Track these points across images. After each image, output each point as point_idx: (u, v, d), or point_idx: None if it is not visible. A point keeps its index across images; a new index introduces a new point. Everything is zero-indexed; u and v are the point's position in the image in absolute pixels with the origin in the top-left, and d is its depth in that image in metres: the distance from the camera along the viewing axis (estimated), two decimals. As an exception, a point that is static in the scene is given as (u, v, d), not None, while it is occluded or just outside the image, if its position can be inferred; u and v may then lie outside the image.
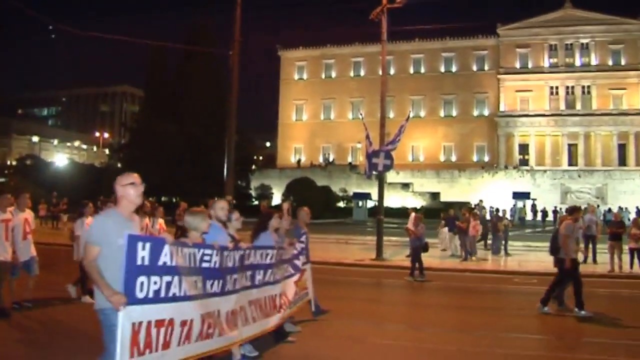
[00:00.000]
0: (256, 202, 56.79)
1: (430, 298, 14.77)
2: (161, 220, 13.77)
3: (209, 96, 55.85)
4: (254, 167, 69.84)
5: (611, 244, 18.64)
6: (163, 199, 52.04)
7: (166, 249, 5.13)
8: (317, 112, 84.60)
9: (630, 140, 72.57)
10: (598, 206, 44.02)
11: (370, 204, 54.69)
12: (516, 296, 15.29)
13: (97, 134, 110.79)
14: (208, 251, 5.82)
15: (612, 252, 18.53)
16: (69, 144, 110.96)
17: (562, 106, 75.37)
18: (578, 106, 75.02)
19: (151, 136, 55.98)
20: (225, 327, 6.01)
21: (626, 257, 18.38)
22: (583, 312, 11.32)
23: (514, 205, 56.55)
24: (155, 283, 4.98)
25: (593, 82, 74.76)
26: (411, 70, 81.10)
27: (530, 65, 77.01)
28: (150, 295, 4.94)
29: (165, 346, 5.09)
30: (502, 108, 76.75)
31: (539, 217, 57.37)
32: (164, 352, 5.06)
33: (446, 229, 24.95)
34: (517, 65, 77.35)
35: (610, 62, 74.59)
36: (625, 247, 18.39)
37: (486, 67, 78.78)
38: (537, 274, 18.31)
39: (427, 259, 21.30)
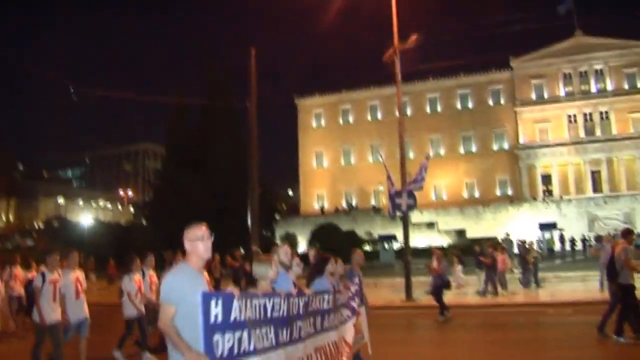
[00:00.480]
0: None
1: (464, 335, 14.68)
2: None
3: (230, 149, 56.37)
4: (278, 216, 69.98)
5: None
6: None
7: (235, 303, 4.97)
8: (337, 157, 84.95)
9: (654, 162, 71.96)
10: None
11: (396, 245, 54.46)
12: (553, 327, 15.14)
13: (121, 193, 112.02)
14: (277, 300, 5.66)
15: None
16: (94, 203, 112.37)
17: (582, 134, 75.05)
18: (598, 132, 74.67)
19: (175, 192, 56.47)
20: None
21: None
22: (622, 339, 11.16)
23: (542, 237, 55.99)
24: (228, 341, 4.82)
25: (611, 107, 74.53)
26: (428, 109, 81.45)
27: (546, 96, 77.04)
28: (225, 353, 4.78)
29: None
30: (521, 140, 76.61)
31: (568, 246, 56.66)
32: None
33: (460, 267, 25.04)
34: (533, 96, 77.43)
35: (626, 86, 74.41)
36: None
37: (502, 101, 78.92)
38: (571, 303, 18.17)
39: (455, 297, 21.25)
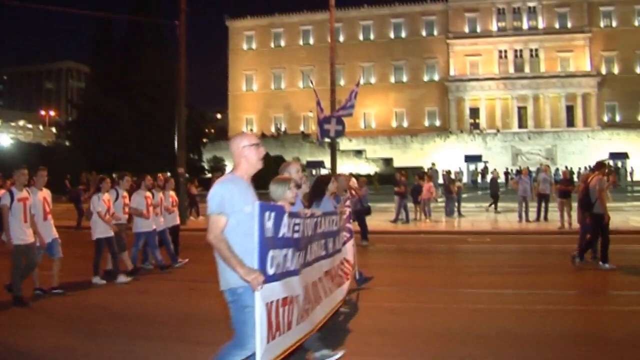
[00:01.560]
0: (209, 175, 56.33)
1: (386, 259, 14.83)
2: (172, 193, 13.25)
3: (157, 69, 54.72)
4: (205, 139, 69.05)
5: (561, 202, 18.93)
6: (114, 175, 51.12)
7: (285, 219, 4.66)
8: (268, 82, 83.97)
9: (578, 102, 73.97)
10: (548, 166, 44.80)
11: (323, 172, 54.66)
12: (472, 254, 15.47)
13: (43, 113, 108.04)
14: (305, 220, 5.33)
15: (562, 209, 18.83)
16: (13, 123, 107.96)
17: (511, 69, 76.31)
18: (527, 69, 76.04)
19: (99, 112, 54.76)
20: (313, 302, 5.58)
21: (575, 214, 18.71)
22: (607, 265, 11.47)
23: (467, 169, 57.25)
24: (277, 258, 4.53)
25: (541, 45, 75.76)
26: (361, 37, 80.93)
27: (479, 30, 77.56)
28: (277, 271, 4.50)
29: (289, 327, 4.66)
30: (452, 73, 77.31)
31: (488, 178, 58.06)
32: (288, 333, 4.64)
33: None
34: (466, 29, 77.81)
35: (557, 25, 75.59)
36: (574, 204, 18.71)
37: (435, 32, 79.08)
38: (490, 232, 18.64)
39: (381, 223, 21.48)
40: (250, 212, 4.34)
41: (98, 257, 10.83)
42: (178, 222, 13.43)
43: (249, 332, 4.27)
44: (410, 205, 22.96)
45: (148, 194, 11.99)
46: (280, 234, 4.59)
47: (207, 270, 8.11)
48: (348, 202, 9.18)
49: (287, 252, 4.70)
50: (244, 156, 4.59)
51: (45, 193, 9.78)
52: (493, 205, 25.95)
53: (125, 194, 11.75)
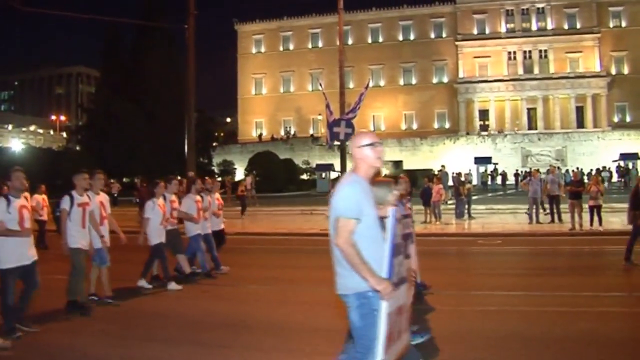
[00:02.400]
0: (219, 178, 56.40)
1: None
2: (218, 196, 13.10)
3: (167, 73, 55.04)
4: (215, 143, 69.29)
5: (571, 203, 18.86)
6: (125, 179, 51.33)
7: (396, 223, 4.43)
8: (277, 85, 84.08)
9: (588, 102, 73.67)
10: (559, 168, 44.62)
11: (333, 175, 54.61)
12: (482, 256, 15.45)
13: (53, 117, 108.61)
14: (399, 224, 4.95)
15: (573, 210, 18.77)
16: (24, 128, 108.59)
17: (520, 71, 76.12)
18: (536, 70, 75.81)
19: (109, 116, 55.07)
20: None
21: (586, 215, 18.66)
22: None
23: (477, 170, 57.09)
24: (396, 264, 4.32)
25: (550, 46, 75.53)
26: (369, 40, 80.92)
27: (487, 31, 77.39)
28: (396, 278, 4.30)
29: (399, 336, 4.44)
30: (461, 74, 77.17)
31: (499, 180, 57.88)
32: (397, 343, 4.40)
33: None
34: (475, 31, 77.67)
35: (566, 26, 75.33)
36: (585, 206, 18.67)
37: (444, 34, 78.98)
38: (500, 235, 18.57)
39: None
40: (375, 216, 4.27)
41: (164, 262, 10.64)
42: (223, 226, 13.23)
43: (374, 336, 4.15)
44: (419, 207, 22.97)
45: (198, 197, 11.83)
46: (396, 240, 4.42)
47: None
48: (409, 204, 8.98)
49: (400, 258, 4.54)
50: (362, 156, 4.48)
51: (102, 197, 9.49)
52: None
53: (174, 197, 11.49)
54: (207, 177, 13.98)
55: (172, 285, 10.51)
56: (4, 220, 7.24)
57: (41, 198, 16.29)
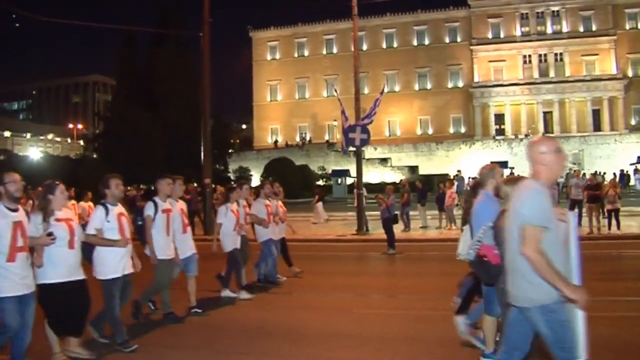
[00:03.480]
0: (235, 185, 56.56)
1: (412, 267, 14.83)
2: (281, 203, 12.67)
3: (183, 80, 55.27)
4: (231, 150, 69.52)
5: (589, 207, 18.81)
6: (142, 186, 51.59)
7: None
8: (292, 91, 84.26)
9: (604, 105, 73.15)
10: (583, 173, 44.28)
11: (349, 180, 54.63)
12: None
13: (71, 126, 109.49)
14: None
15: (591, 214, 18.71)
16: (42, 137, 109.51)
17: (536, 74, 75.76)
18: (551, 74, 75.43)
19: (126, 124, 55.41)
20: None
21: (604, 220, 18.58)
22: None
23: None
24: None
25: (565, 49, 75.14)
26: (384, 45, 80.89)
27: (502, 35, 77.13)
28: None
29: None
30: (476, 79, 76.94)
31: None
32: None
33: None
34: (489, 35, 77.43)
35: (581, 29, 74.89)
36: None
37: (459, 39, 78.81)
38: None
39: (408, 231, 21.46)
40: (558, 223, 4.20)
41: (238, 270, 10.32)
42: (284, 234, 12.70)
43: (571, 345, 4.20)
44: (434, 212, 23.07)
45: (268, 202, 11.60)
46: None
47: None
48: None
49: None
50: (544, 163, 4.34)
51: (182, 205, 9.11)
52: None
53: (246, 202, 11.20)
54: (274, 182, 13.65)
55: (243, 294, 10.20)
56: (103, 229, 7.05)
57: (87, 205, 15.91)
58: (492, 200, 6.14)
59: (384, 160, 65.60)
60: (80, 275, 6.55)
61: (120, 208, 7.32)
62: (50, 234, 6.09)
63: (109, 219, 7.10)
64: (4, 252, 5.81)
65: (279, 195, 12.53)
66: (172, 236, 8.51)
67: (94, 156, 65.22)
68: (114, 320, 7.10)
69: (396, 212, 17.06)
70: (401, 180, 23.90)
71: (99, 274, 7.04)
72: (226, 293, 10.25)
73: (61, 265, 6.33)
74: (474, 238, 6.01)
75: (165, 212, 8.42)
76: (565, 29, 75.32)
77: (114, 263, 7.07)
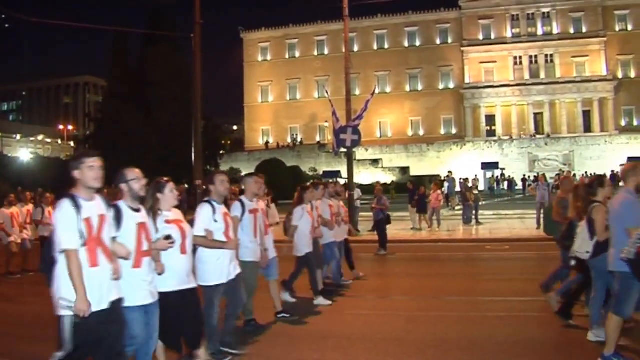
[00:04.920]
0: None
1: (403, 268, 14.84)
2: (342, 204, 12.19)
3: (173, 82, 55.11)
4: (222, 151, 69.39)
5: (580, 207, 18.82)
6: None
7: None
8: (283, 92, 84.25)
9: (595, 106, 73.46)
10: (575, 175, 44.52)
11: (340, 182, 54.60)
12: (489, 262, 15.43)
13: (61, 127, 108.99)
14: None
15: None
16: (32, 138, 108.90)
17: (527, 76, 76.03)
18: (542, 75, 75.72)
19: (117, 125, 55.24)
20: None
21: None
22: None
23: (484, 176, 57.02)
24: None
25: (556, 50, 75.43)
26: (375, 47, 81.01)
27: (493, 37, 77.38)
28: None
29: None
30: (467, 80, 77.14)
31: (505, 186, 57.63)
32: None
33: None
34: (480, 36, 77.65)
35: (572, 30, 75.21)
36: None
37: (450, 40, 79.00)
38: (508, 240, 18.54)
39: (399, 232, 21.46)
40: None
41: (314, 274, 9.80)
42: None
43: None
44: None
45: (331, 202, 11.11)
46: None
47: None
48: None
49: None
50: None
51: (263, 205, 8.61)
52: None
53: (317, 203, 10.49)
54: (332, 181, 13.11)
55: (320, 300, 9.67)
56: (211, 229, 6.42)
57: None
58: (636, 198, 6.14)
59: (375, 162, 65.66)
60: (193, 283, 5.94)
61: (225, 207, 6.80)
62: (168, 237, 5.43)
63: (217, 219, 6.49)
64: (130, 258, 5.13)
65: (341, 195, 12.23)
66: (259, 238, 7.87)
67: (85, 157, 64.97)
68: (210, 329, 6.47)
69: (388, 213, 17.02)
70: (375, 184, 23.82)
71: (201, 280, 6.35)
72: (319, 300, 9.67)
73: (174, 272, 5.67)
74: (633, 237, 5.81)
75: (253, 212, 7.86)
76: (555, 30, 75.64)
77: (219, 268, 6.50)
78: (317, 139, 78.01)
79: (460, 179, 36.05)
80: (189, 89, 32.39)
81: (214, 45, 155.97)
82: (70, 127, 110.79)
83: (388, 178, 59.08)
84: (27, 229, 14.22)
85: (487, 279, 12.33)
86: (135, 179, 5.40)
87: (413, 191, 23.43)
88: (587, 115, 74.10)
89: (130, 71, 60.95)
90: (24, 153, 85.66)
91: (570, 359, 6.50)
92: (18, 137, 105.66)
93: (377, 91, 39.50)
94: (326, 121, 66.38)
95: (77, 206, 4.52)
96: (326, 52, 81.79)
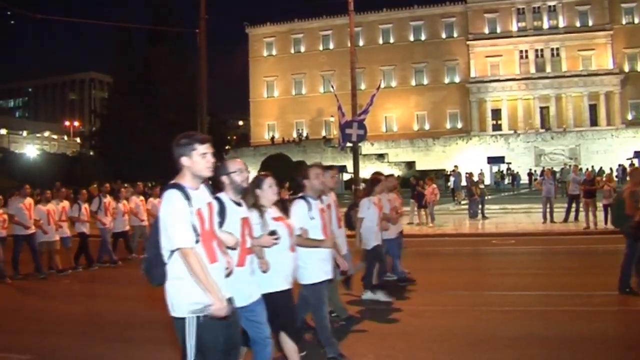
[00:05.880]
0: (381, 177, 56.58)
1: (408, 263, 14.79)
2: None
3: (179, 77, 55.27)
4: (228, 146, 69.52)
5: (586, 202, 18.84)
6: (138, 183, 51.53)
7: None
8: (288, 87, 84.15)
9: (601, 100, 73.13)
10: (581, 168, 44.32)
11: (346, 176, 54.62)
12: (495, 257, 15.42)
13: (67, 123, 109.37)
14: None
15: (587, 209, 18.72)
16: (38, 134, 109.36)
17: (532, 69, 75.70)
18: (548, 69, 75.38)
19: (122, 121, 55.42)
20: None
21: (600, 214, 18.60)
22: None
23: (490, 170, 56.86)
24: None
25: (562, 44, 75.09)
26: (380, 41, 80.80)
27: (499, 30, 77.04)
28: None
29: None
30: (472, 74, 76.88)
31: (507, 180, 57.40)
32: None
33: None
34: (486, 30, 77.35)
35: (578, 24, 74.85)
36: (599, 204, 18.62)
37: (455, 34, 78.73)
38: (514, 234, 18.52)
39: (405, 227, 21.45)
40: None
41: (383, 266, 9.62)
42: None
43: None
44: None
45: (389, 196, 10.70)
46: None
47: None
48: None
49: None
50: None
51: (334, 196, 8.03)
52: None
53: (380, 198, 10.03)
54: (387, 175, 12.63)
55: (380, 295, 9.40)
56: (306, 227, 6.02)
57: (157, 202, 15.23)
58: None
59: (380, 156, 65.58)
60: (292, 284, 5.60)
61: (320, 203, 6.42)
62: (273, 233, 5.09)
63: (313, 215, 6.10)
64: (237, 247, 4.73)
65: (397, 188, 11.96)
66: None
67: (91, 153, 65.21)
68: (323, 331, 6.11)
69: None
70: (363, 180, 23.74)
71: (302, 279, 6.00)
72: (367, 295, 9.48)
73: (281, 271, 5.37)
74: None
75: (377, 205, 7.88)
76: (561, 23, 75.30)
77: (319, 265, 6.10)
78: (323, 133, 77.90)
79: (466, 173, 35.99)
80: (194, 85, 32.45)
81: (220, 40, 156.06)
82: (76, 124, 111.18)
83: (394, 172, 58.92)
84: (62, 227, 13.99)
85: (493, 273, 12.34)
86: (237, 171, 5.03)
87: (414, 186, 23.44)
88: (593, 109, 73.77)
89: (135, 67, 61.10)
90: (30, 149, 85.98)
91: (576, 354, 6.48)
92: (24, 133, 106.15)
93: (382, 85, 39.43)
94: (332, 116, 66.36)
95: (188, 197, 4.06)
96: (331, 46, 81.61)
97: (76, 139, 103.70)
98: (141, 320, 8.77)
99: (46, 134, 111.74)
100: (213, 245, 4.16)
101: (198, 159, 4.19)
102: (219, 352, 4.12)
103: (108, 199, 15.23)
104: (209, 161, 4.24)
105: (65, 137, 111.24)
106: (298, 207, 6.10)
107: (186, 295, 3.97)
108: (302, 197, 6.21)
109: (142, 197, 16.37)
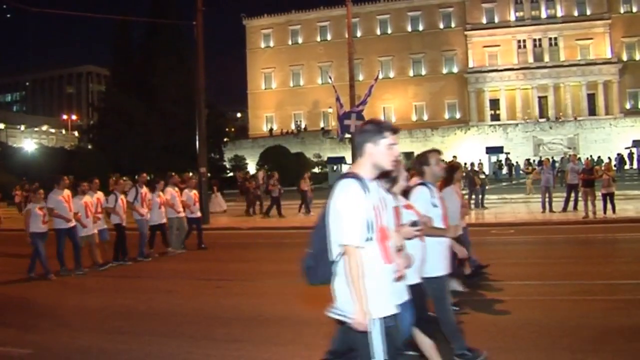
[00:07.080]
0: (231, 174, 56.68)
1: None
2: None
3: (177, 70, 55.09)
4: (226, 138, 69.44)
5: (585, 191, 18.83)
6: (137, 176, 51.50)
7: None
8: (286, 79, 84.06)
9: (599, 89, 73.13)
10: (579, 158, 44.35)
11: (345, 167, 54.63)
12: (495, 246, 15.42)
13: (65, 117, 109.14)
14: None
15: (586, 198, 18.72)
16: (36, 128, 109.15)
17: (530, 59, 75.66)
18: (546, 58, 75.34)
19: (120, 114, 55.30)
20: None
21: (599, 203, 18.62)
22: None
23: (489, 160, 56.89)
24: None
25: (560, 33, 75.01)
26: (378, 32, 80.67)
27: (496, 20, 76.95)
28: None
29: None
30: (470, 64, 76.83)
31: (505, 170, 57.41)
32: None
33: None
34: (484, 20, 77.24)
35: (576, 13, 74.74)
36: (598, 194, 18.63)
37: (453, 24, 78.60)
38: (514, 224, 18.54)
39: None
40: None
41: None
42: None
43: None
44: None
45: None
46: None
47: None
48: None
49: None
50: None
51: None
52: None
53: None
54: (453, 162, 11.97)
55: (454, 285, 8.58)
56: (430, 214, 5.54)
57: (192, 193, 15.72)
58: None
59: (379, 147, 65.57)
60: None
61: (437, 191, 5.99)
62: (415, 224, 4.57)
63: (436, 203, 5.70)
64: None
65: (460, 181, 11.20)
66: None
67: (89, 147, 65.09)
68: (449, 326, 5.74)
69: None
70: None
71: (424, 271, 5.32)
72: (454, 286, 8.49)
73: (416, 263, 4.79)
74: None
75: (397, 209, 6.97)
76: (559, 13, 75.19)
77: (443, 256, 5.69)
78: (321, 125, 77.91)
79: (466, 163, 35.99)
80: (192, 77, 32.39)
81: (217, 32, 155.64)
82: (74, 117, 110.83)
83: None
84: (100, 219, 13.71)
85: (493, 263, 12.32)
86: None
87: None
88: (591, 98, 73.78)
89: (133, 60, 60.96)
90: (28, 144, 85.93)
91: (576, 343, 6.49)
92: (22, 127, 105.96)
93: (380, 76, 39.50)
94: (330, 107, 66.34)
95: (366, 190, 3.66)
96: (329, 37, 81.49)
97: (74, 132, 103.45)
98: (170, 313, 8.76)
99: (44, 127, 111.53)
100: (388, 244, 3.78)
101: (384, 149, 3.77)
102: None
103: (144, 190, 14.86)
104: (394, 154, 3.83)
105: (63, 131, 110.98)
106: (421, 194, 5.67)
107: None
108: (424, 184, 5.79)
109: (176, 188, 15.91)
